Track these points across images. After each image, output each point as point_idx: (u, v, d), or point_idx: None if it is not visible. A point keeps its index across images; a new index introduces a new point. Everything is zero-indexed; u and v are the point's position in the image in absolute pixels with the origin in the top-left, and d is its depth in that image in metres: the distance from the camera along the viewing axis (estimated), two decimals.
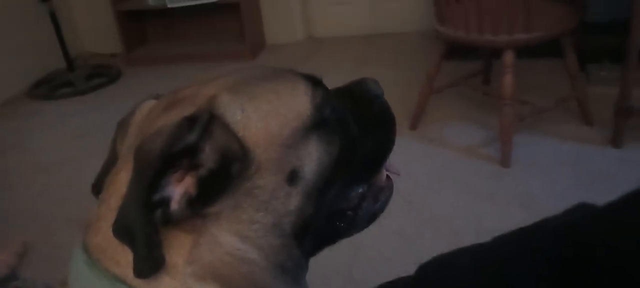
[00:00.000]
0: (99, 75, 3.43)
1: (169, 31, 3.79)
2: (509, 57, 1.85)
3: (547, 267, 0.74)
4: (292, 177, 0.56)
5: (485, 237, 0.87)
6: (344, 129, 0.62)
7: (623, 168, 1.83)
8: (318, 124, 0.58)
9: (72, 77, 3.36)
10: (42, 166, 2.43)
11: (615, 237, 0.70)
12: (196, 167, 0.51)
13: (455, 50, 2.11)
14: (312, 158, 0.57)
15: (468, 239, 0.91)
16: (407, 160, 2.04)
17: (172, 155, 0.49)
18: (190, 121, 0.51)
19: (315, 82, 0.62)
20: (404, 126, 2.26)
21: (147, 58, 3.63)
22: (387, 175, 0.72)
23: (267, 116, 0.56)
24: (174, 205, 0.50)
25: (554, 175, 1.85)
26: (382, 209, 0.70)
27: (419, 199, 1.82)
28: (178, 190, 0.50)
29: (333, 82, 0.70)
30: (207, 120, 0.52)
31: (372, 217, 0.69)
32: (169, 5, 3.39)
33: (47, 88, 3.33)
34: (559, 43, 1.94)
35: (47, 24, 3.34)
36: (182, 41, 3.75)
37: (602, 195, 0.79)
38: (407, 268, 0.94)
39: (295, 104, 0.58)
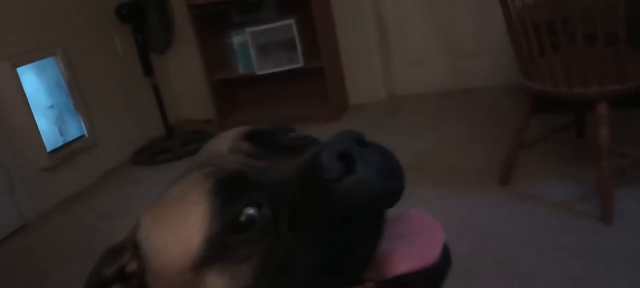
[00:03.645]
0: (194, 141, 3.65)
1: (258, 97, 4.00)
2: (602, 108, 1.79)
3: None
4: None
5: None
6: (265, 247, 0.50)
7: None
8: (213, 257, 0.50)
9: (171, 144, 3.62)
10: None
11: None
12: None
13: (542, 103, 2.07)
14: None
15: None
16: (499, 218, 1.99)
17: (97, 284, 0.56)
18: (113, 252, 0.58)
19: (229, 194, 0.51)
20: (493, 182, 2.21)
21: (239, 122, 3.74)
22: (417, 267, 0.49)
23: (158, 253, 0.54)
24: None
25: None
26: None
27: (513, 259, 1.75)
28: None
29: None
30: (131, 249, 0.57)
31: None
32: (258, 73, 3.59)
33: (148, 154, 3.59)
34: None
35: (150, 96, 3.65)
36: (271, 106, 3.94)
37: None
38: None
39: (183, 241, 0.52)
